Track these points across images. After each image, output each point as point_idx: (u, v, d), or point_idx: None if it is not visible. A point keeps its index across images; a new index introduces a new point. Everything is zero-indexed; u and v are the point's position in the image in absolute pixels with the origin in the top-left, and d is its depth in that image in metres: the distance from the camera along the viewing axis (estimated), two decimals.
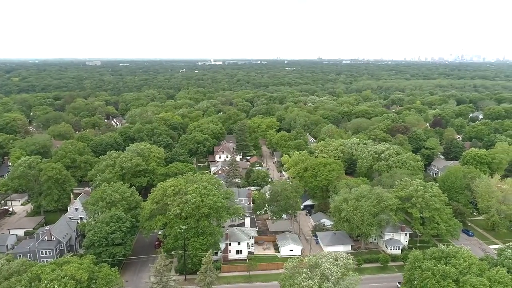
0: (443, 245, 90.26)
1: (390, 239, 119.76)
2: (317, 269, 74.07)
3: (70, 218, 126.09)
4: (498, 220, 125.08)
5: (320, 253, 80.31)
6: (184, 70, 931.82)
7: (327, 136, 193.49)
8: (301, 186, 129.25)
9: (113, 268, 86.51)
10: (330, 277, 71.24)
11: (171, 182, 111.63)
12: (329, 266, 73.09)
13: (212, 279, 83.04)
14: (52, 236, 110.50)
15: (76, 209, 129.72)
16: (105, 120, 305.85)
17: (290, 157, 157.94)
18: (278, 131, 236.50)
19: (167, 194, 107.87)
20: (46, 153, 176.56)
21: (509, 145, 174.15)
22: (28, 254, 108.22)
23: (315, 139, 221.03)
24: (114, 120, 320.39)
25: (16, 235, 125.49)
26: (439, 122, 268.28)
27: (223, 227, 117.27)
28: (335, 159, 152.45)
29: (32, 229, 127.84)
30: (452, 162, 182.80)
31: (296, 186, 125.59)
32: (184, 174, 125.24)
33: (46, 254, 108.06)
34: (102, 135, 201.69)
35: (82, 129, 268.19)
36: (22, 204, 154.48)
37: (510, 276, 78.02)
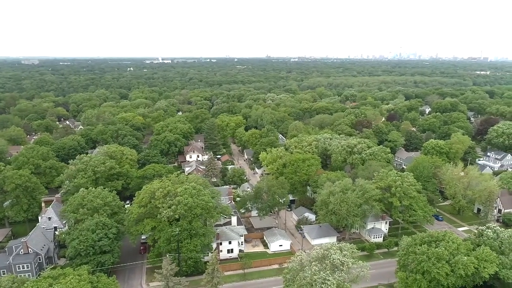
0: (417, 231, 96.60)
1: (372, 228, 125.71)
2: (326, 261, 76.01)
3: (44, 228, 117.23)
4: (464, 205, 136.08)
5: (326, 245, 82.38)
6: (131, 69, 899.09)
7: (298, 132, 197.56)
8: (287, 182, 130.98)
9: (111, 277, 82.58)
10: (341, 267, 73.56)
11: (158, 184, 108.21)
12: (339, 257, 75.37)
13: (219, 279, 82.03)
14: (29, 249, 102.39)
15: (50, 218, 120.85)
16: (57, 122, 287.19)
17: (267, 154, 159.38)
18: (245, 129, 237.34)
19: (155, 197, 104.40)
20: (1, 159, 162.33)
21: (463, 135, 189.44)
22: (2, 270, 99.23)
23: (283, 135, 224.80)
24: (67, 122, 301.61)
25: None
26: (393, 116, 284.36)
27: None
28: (312, 155, 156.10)
29: None
30: (413, 153, 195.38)
31: (282, 182, 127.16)
32: (168, 176, 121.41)
33: (23, 268, 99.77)
34: (63, 138, 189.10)
35: (34, 133, 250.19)
36: None
37: (494, 254, 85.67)
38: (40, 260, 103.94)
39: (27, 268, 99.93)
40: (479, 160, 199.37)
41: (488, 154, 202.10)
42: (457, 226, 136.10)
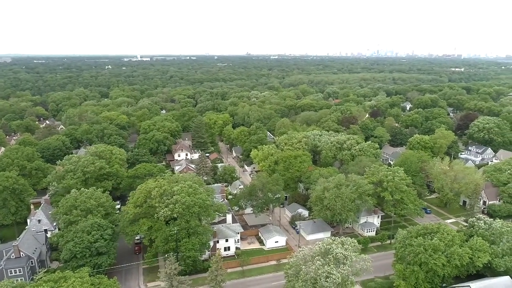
0: (408, 224, 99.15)
1: (365, 222, 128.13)
2: (329, 256, 77.12)
3: (34, 230, 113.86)
4: (451, 197, 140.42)
5: (327, 240, 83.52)
6: (110, 66, 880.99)
7: (286, 129, 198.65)
8: (281, 179, 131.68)
9: (111, 278, 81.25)
10: (345, 261, 74.81)
11: (154, 184, 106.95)
12: (341, 251, 76.61)
13: (223, 277, 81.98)
14: (21, 253, 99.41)
15: (39, 221, 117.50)
16: (36, 122, 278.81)
17: (258, 151, 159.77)
18: (232, 126, 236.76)
19: (151, 196, 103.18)
20: None
21: (446, 130, 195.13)
22: None
23: (270, 133, 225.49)
24: (47, 121, 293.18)
25: None
26: (376, 113, 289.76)
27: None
28: (303, 152, 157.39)
29: None
30: (399, 148, 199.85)
31: (277, 179, 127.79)
32: (161, 175, 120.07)
33: (15, 273, 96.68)
34: (47, 138, 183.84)
35: (13, 133, 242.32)
36: None
37: (487, 244, 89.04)
38: (32, 263, 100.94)
39: (19, 272, 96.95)
40: (461, 154, 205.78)
41: (470, 148, 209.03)
42: (445, 218, 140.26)
